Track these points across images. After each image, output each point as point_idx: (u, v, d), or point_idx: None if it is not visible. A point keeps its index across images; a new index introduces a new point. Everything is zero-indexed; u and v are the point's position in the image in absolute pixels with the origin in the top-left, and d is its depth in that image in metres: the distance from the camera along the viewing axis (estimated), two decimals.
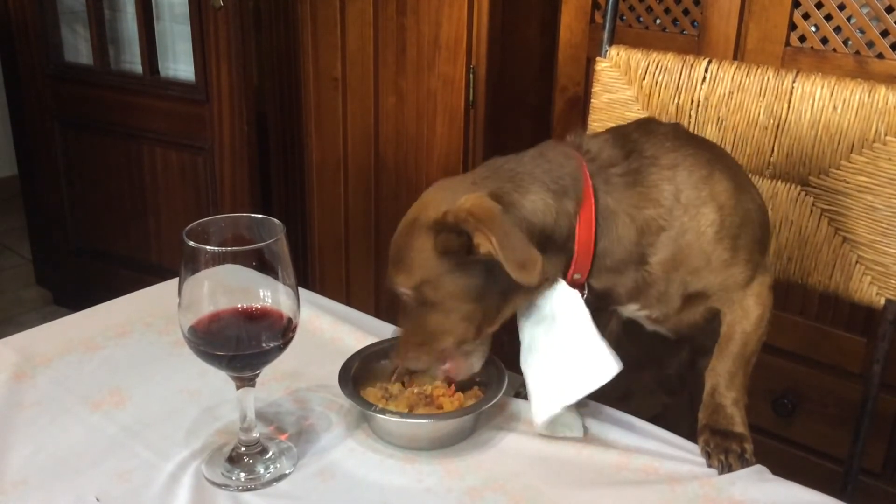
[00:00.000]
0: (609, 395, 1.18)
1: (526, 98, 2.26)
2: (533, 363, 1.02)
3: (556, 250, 0.96)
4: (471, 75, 2.11)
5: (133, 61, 2.69)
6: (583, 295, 1.00)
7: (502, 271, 0.91)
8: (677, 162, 1.01)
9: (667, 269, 1.00)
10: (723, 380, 1.03)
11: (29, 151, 3.00)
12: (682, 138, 1.05)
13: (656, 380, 1.26)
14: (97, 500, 0.88)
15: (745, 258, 1.02)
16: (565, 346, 0.99)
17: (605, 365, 0.97)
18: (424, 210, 0.97)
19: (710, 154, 1.04)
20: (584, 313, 0.98)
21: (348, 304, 1.30)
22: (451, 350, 0.99)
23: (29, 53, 2.82)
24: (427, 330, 0.98)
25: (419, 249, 0.95)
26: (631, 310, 1.07)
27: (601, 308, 1.04)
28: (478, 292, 0.95)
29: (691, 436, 1.01)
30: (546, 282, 0.97)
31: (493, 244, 0.88)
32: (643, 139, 1.03)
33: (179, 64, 2.63)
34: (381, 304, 2.43)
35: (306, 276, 2.57)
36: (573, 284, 0.99)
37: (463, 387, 1.03)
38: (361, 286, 2.49)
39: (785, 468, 0.96)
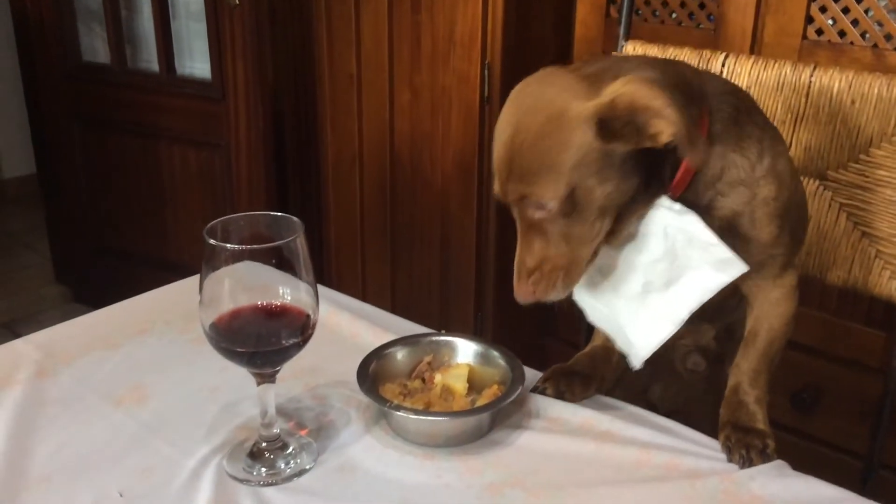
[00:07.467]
0: (628, 390, 1.18)
1: None
2: (622, 294, 0.97)
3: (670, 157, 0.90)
4: (485, 71, 2.11)
5: (150, 60, 2.71)
6: None
7: (637, 174, 0.86)
8: (767, 127, 0.99)
9: (722, 228, 0.96)
10: (746, 377, 1.02)
11: (47, 150, 3.03)
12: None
13: (676, 371, 1.25)
14: (120, 495, 0.88)
15: (786, 242, 1.01)
16: (676, 259, 0.94)
17: (730, 264, 0.93)
18: (564, 104, 0.85)
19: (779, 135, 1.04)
20: (697, 219, 0.93)
21: (364, 300, 1.31)
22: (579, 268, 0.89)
23: (47, 53, 2.84)
24: (565, 248, 0.88)
25: (575, 146, 0.84)
26: None
27: None
28: (622, 195, 0.87)
29: (711, 433, 1.01)
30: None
31: (680, 129, 0.81)
32: (742, 93, 1.00)
33: (196, 62, 2.64)
34: (397, 301, 2.44)
35: (322, 273, 2.57)
36: None
37: (481, 384, 1.04)
38: (377, 282, 2.49)
39: (804, 463, 0.96)
